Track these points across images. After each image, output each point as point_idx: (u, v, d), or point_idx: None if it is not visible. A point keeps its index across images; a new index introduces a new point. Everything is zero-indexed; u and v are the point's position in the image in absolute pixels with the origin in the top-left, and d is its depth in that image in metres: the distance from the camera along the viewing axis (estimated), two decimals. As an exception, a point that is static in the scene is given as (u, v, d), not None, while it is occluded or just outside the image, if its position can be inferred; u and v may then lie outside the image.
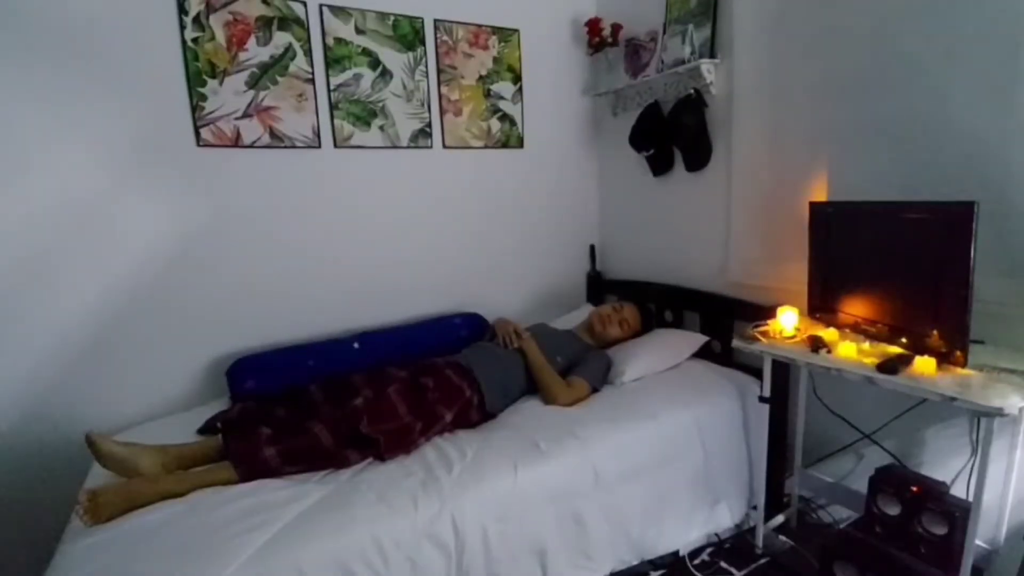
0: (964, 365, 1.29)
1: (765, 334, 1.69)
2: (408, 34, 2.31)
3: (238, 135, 2.02)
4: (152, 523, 1.29)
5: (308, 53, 2.11)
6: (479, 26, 2.47)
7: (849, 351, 1.47)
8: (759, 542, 1.83)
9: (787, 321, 1.67)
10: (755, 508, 1.89)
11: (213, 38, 1.94)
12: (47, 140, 1.75)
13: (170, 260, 1.97)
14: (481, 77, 2.51)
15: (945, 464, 1.64)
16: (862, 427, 1.81)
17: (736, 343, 1.73)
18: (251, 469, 1.44)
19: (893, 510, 1.51)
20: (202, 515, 1.30)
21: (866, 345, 1.50)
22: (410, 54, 2.32)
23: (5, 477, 1.79)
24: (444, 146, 2.46)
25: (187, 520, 1.29)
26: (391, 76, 2.29)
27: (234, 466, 1.44)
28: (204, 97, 1.95)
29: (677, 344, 2.17)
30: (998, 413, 1.14)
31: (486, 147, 2.57)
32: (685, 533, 1.82)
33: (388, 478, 1.46)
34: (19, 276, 1.75)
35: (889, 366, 1.34)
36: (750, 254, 2.14)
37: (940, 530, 1.41)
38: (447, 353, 2.02)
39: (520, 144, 2.66)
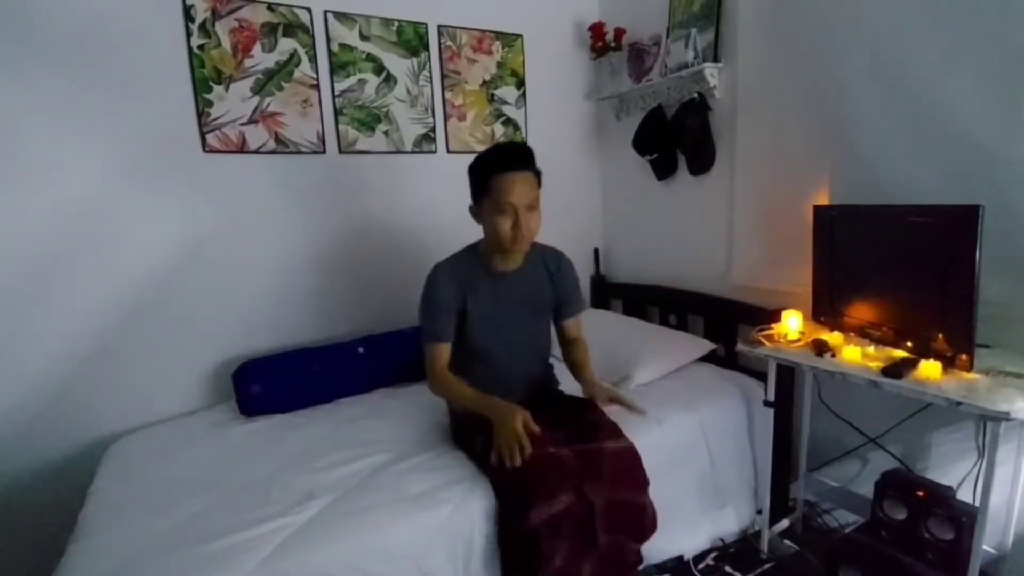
0: (970, 369, 1.28)
1: (769, 338, 1.68)
2: (412, 40, 2.32)
3: (244, 140, 2.04)
4: (163, 525, 1.30)
5: (313, 59, 2.13)
6: (482, 31, 2.49)
7: (854, 355, 1.47)
8: (764, 546, 1.83)
9: (791, 325, 1.67)
10: (760, 512, 1.88)
11: (219, 45, 1.96)
12: (54, 146, 1.76)
13: (176, 264, 1.98)
14: (485, 82, 2.52)
15: (951, 468, 1.63)
16: (867, 431, 1.80)
17: (740, 347, 1.73)
18: None
19: (899, 515, 1.50)
20: (213, 518, 1.31)
21: (871, 349, 1.50)
22: (414, 59, 2.33)
23: (11, 480, 1.80)
24: (448, 151, 2.46)
25: (198, 523, 1.30)
26: (395, 81, 2.30)
27: None
28: (210, 103, 1.96)
29: (684, 348, 2.16)
30: (1004, 417, 1.13)
31: (490, 151, 2.57)
32: (691, 540, 1.80)
33: (397, 482, 1.46)
34: (26, 281, 1.76)
35: (894, 370, 1.33)
36: (754, 257, 2.13)
37: (947, 535, 1.40)
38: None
39: (524, 148, 2.67)
